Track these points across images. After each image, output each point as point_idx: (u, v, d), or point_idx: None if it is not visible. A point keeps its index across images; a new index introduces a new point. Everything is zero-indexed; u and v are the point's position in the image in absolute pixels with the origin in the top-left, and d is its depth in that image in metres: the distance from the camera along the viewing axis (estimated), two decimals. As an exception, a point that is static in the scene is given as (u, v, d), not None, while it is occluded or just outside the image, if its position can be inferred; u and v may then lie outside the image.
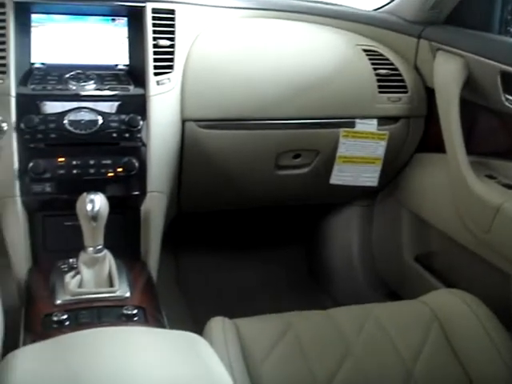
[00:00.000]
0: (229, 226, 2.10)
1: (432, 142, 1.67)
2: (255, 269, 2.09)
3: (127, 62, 1.49)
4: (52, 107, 1.37)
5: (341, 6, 1.79)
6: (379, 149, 1.64)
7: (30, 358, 0.84)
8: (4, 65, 1.36)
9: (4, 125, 1.32)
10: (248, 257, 2.10)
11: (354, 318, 1.25)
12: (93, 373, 0.78)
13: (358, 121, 1.61)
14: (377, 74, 1.61)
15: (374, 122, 1.62)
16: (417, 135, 1.71)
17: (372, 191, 1.82)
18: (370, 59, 1.62)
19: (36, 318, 1.16)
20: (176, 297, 1.91)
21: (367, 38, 1.69)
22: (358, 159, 1.64)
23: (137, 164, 1.40)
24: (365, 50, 1.64)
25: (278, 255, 2.14)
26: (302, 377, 1.12)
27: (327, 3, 1.78)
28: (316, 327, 1.23)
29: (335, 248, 2.06)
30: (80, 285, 1.22)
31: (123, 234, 1.44)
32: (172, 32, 1.48)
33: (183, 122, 1.51)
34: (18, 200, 1.37)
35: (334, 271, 2.06)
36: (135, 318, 1.15)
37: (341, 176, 1.67)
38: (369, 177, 1.67)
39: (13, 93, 1.35)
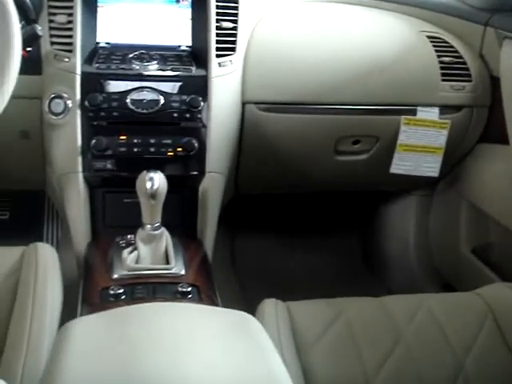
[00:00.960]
0: (285, 209, 2.10)
1: (495, 132, 1.63)
2: (310, 253, 2.09)
3: (190, 44, 1.51)
4: (115, 86, 1.40)
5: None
6: (441, 138, 1.61)
7: (86, 327, 0.88)
8: (70, 43, 1.40)
9: (69, 102, 1.38)
10: (303, 241, 2.10)
11: (407, 307, 1.24)
12: (147, 344, 0.81)
13: (419, 108, 1.59)
14: (440, 62, 1.58)
15: (436, 110, 1.59)
16: (479, 125, 1.67)
17: (431, 181, 1.80)
18: (434, 46, 1.59)
19: (94, 291, 1.20)
20: (230, 277, 1.93)
21: (431, 25, 1.66)
22: (419, 148, 1.62)
23: (196, 144, 1.42)
24: (429, 37, 1.61)
25: (333, 241, 2.14)
26: (352, 361, 1.11)
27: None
28: (368, 313, 1.22)
29: (391, 236, 2.04)
30: (137, 261, 1.25)
31: (181, 213, 1.46)
32: (235, 14, 1.48)
33: (243, 104, 1.52)
34: (80, 176, 1.41)
35: (389, 260, 2.04)
36: (189, 296, 1.17)
37: (401, 165, 1.64)
38: (430, 167, 1.65)
39: (78, 71, 1.39)
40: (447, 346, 1.16)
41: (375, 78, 1.55)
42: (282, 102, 1.54)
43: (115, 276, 1.22)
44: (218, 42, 1.46)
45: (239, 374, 0.79)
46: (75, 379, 0.76)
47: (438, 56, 1.59)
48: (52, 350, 0.91)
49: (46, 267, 1.16)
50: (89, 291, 1.21)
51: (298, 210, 2.11)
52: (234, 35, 1.48)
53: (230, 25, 1.47)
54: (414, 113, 1.59)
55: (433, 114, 1.59)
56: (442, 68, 1.58)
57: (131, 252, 1.26)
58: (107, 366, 0.78)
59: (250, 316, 0.94)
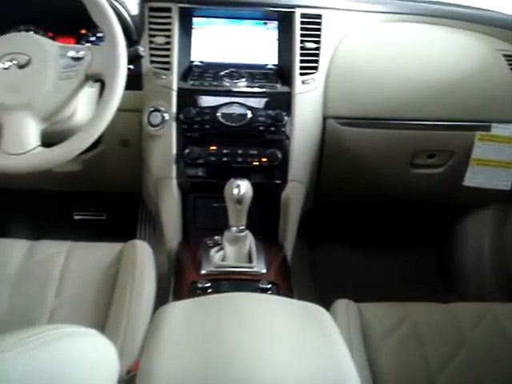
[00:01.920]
0: (363, 220, 2.18)
1: None
2: (385, 262, 2.15)
3: (276, 62, 1.61)
4: (207, 101, 1.53)
5: (480, 9, 1.80)
6: (514, 153, 1.64)
7: (179, 311, 1.01)
8: (168, 62, 1.55)
9: (166, 115, 1.52)
10: (379, 250, 2.17)
11: (473, 314, 1.29)
12: (234, 327, 0.93)
13: (494, 125, 1.64)
14: None
15: (511, 126, 1.64)
16: None
17: (508, 195, 1.83)
18: (510, 64, 1.63)
19: (184, 284, 1.33)
20: (307, 280, 2.02)
21: (507, 43, 1.70)
22: (493, 162, 1.67)
23: (280, 155, 1.53)
24: (505, 56, 1.65)
25: (408, 251, 2.18)
26: (417, 360, 1.18)
27: (466, 6, 1.80)
28: (434, 318, 1.28)
29: (466, 249, 2.07)
30: (223, 259, 1.38)
31: (264, 218, 1.57)
32: (318, 35, 1.58)
33: (324, 118, 1.61)
34: (174, 181, 1.55)
35: (464, 272, 2.07)
36: (269, 292, 1.28)
37: (474, 178, 1.70)
38: (502, 180, 1.69)
39: (174, 87, 1.53)
40: (510, 352, 1.21)
41: (451, 95, 1.61)
42: (361, 117, 1.62)
43: (203, 272, 1.35)
44: (301, 61, 1.56)
45: (309, 360, 0.89)
46: (170, 366, 0.87)
47: None
48: (148, 331, 1.05)
49: (143, 261, 1.31)
50: (179, 284, 1.34)
51: (374, 220, 2.18)
52: (317, 55, 1.58)
53: (313, 45, 1.58)
54: (488, 128, 1.64)
55: (507, 130, 1.64)
56: None
57: (218, 251, 1.40)
58: (198, 350, 0.89)
59: (323, 309, 1.04)
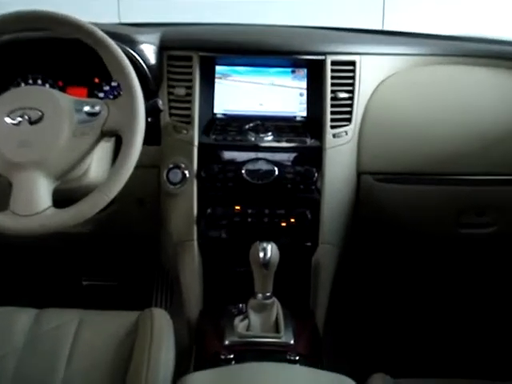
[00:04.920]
0: (399, 285, 2.23)
1: None
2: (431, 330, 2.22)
3: (305, 114, 1.79)
4: (231, 157, 1.70)
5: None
6: None
7: (199, 381, 1.13)
8: (189, 115, 1.72)
9: (186, 172, 1.70)
10: (422, 315, 2.23)
11: None
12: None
13: None
14: None
15: None
16: None
17: None
18: None
19: (205, 355, 1.51)
20: (339, 348, 2.07)
21: None
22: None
23: (310, 215, 1.69)
24: None
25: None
26: None
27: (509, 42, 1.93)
28: None
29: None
30: (247, 328, 1.54)
31: (292, 283, 1.70)
32: (351, 84, 1.73)
33: (359, 174, 1.77)
34: (195, 244, 1.71)
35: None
36: (297, 365, 1.44)
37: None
38: None
39: (196, 142, 1.71)
40: None
41: (498, 146, 1.74)
42: (400, 173, 1.75)
43: (226, 342, 1.52)
44: (333, 112, 1.72)
45: None
46: None
47: None
48: None
49: (161, 330, 1.42)
50: (201, 356, 1.52)
51: (417, 286, 2.25)
52: (350, 105, 1.73)
53: (346, 95, 1.73)
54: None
55: None
56: None
57: (242, 320, 1.55)
58: None
59: (353, 382, 1.15)
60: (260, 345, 1.48)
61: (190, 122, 1.70)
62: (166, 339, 1.40)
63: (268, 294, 1.51)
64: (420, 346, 2.17)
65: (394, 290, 2.26)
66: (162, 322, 1.44)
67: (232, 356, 1.44)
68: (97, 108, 1.37)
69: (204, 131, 1.71)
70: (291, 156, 1.67)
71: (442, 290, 2.24)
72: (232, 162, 1.67)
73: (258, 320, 1.52)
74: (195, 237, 1.69)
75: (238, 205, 1.67)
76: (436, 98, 1.75)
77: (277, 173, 1.65)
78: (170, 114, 1.71)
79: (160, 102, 1.53)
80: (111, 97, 1.74)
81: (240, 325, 1.52)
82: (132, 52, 1.62)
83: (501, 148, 1.72)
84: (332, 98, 1.70)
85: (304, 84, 1.77)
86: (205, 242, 1.69)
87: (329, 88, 1.70)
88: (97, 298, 2.02)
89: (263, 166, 1.66)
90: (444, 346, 2.16)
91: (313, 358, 1.47)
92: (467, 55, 1.82)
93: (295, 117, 1.77)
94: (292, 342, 1.49)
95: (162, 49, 1.72)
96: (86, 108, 1.38)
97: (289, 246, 1.64)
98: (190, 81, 1.71)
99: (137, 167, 1.32)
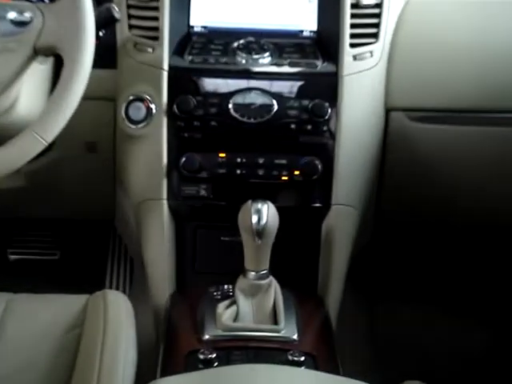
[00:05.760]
0: (431, 266, 2.24)
1: None
2: (468, 327, 2.21)
3: (315, 28, 1.68)
4: (214, 86, 1.60)
5: None
6: None
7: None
8: (156, 28, 1.61)
9: (152, 106, 1.59)
10: (458, 310, 2.22)
11: None
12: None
13: None
14: None
15: None
16: None
17: None
18: None
19: (177, 355, 1.40)
20: (358, 348, 2.06)
21: None
22: None
23: (320, 166, 1.59)
24: None
25: (486, 309, 2.23)
26: None
27: None
28: None
29: None
30: (235, 318, 1.45)
31: (295, 259, 1.64)
32: None
33: (387, 111, 1.68)
34: (165, 204, 1.62)
35: None
36: (303, 367, 1.34)
37: None
38: None
39: (165, 66, 1.60)
40: None
41: None
42: (443, 109, 1.69)
43: (206, 337, 1.43)
44: (353, 25, 1.61)
45: None
46: None
47: None
48: None
49: (118, 319, 1.36)
50: (171, 354, 1.42)
51: (453, 263, 2.24)
52: (378, 15, 1.63)
53: (372, 1, 1.62)
54: None
55: None
56: None
57: (228, 306, 1.46)
58: None
59: None
60: (252, 340, 1.40)
61: (157, 38, 1.60)
62: (125, 332, 1.34)
63: (263, 273, 1.43)
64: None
65: (424, 271, 2.24)
66: (119, 308, 1.39)
67: (214, 355, 1.34)
68: (26, 15, 1.29)
69: (177, 51, 1.62)
70: (296, 85, 1.59)
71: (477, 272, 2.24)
72: (215, 93, 1.59)
73: (249, 307, 1.44)
74: (164, 195, 1.61)
75: (222, 151, 1.59)
76: (491, 14, 1.69)
77: (276, 108, 1.57)
78: (130, 26, 1.61)
79: (115, 9, 1.42)
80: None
81: (225, 313, 1.43)
82: None
83: None
84: (353, 5, 1.60)
85: (315, -12, 1.66)
86: (177, 201, 1.61)
87: None
88: (29, 277, 1.98)
89: (257, 99, 1.57)
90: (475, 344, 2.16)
91: (323, 358, 1.39)
92: None
93: (301, 31, 1.68)
94: (295, 336, 1.42)
95: None
96: (12, 14, 1.29)
97: (291, 208, 1.59)
98: None
99: (84, 99, 1.25)
